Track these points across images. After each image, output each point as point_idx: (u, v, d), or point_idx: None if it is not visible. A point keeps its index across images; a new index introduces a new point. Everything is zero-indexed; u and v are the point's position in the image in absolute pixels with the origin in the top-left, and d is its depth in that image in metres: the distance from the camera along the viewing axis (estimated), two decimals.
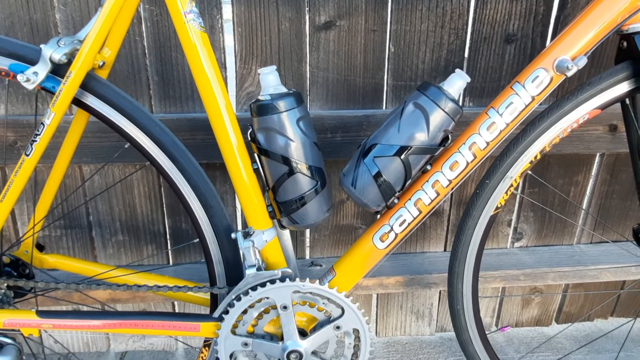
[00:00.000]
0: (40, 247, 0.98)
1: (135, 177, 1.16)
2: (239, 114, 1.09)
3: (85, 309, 1.18)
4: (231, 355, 0.87)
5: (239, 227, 1.28)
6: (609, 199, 1.29)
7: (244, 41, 1.07)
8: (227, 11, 1.06)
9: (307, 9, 1.05)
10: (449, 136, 0.81)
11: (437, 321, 1.40)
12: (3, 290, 0.87)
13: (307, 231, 1.27)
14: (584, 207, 1.30)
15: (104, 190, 1.16)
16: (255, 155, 0.81)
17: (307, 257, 1.29)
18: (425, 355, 1.33)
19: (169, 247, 1.24)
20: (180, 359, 1.33)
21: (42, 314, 0.82)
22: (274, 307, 0.84)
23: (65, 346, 1.32)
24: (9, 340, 0.85)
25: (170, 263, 1.26)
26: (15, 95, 1.08)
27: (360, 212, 1.24)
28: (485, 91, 1.15)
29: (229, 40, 1.05)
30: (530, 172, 0.89)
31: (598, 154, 1.24)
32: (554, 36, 1.11)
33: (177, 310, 1.32)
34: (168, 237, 1.23)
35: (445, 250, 1.31)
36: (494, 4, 1.07)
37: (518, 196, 1.27)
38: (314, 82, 1.11)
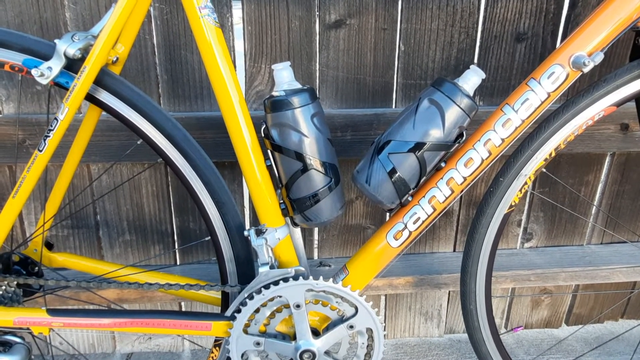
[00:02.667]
0: (49, 246, 0.97)
1: (143, 177, 1.16)
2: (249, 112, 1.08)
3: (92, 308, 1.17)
4: (243, 355, 0.86)
5: (247, 226, 1.27)
6: (619, 199, 1.28)
7: (254, 40, 1.06)
8: (236, 10, 1.06)
9: (317, 7, 1.05)
10: (464, 133, 0.80)
11: (446, 323, 1.39)
12: (13, 289, 0.86)
13: (316, 231, 1.26)
14: (595, 206, 1.29)
15: (113, 189, 1.15)
16: (269, 151, 0.81)
17: (316, 257, 1.28)
18: (434, 357, 1.32)
19: (177, 247, 1.23)
20: None
21: (52, 312, 0.81)
22: (287, 306, 0.83)
23: (72, 346, 1.30)
24: (18, 340, 0.84)
25: (178, 263, 1.25)
26: (24, 93, 1.07)
27: (370, 212, 1.23)
28: (495, 90, 1.14)
29: (238, 39, 1.05)
30: (544, 169, 0.88)
31: (609, 154, 1.23)
32: (564, 35, 1.11)
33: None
34: (176, 236, 1.22)
35: (454, 250, 1.30)
36: (504, 3, 1.07)
37: (528, 196, 1.27)
38: (323, 80, 1.11)
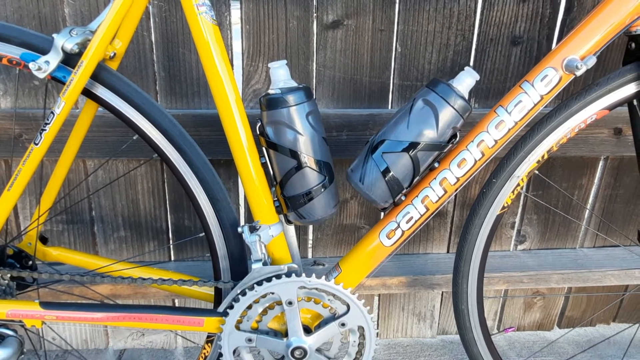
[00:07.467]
0: (43, 240, 0.97)
1: (139, 173, 1.16)
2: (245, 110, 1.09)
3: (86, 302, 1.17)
4: (235, 351, 0.86)
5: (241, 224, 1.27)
6: (612, 203, 1.29)
7: (252, 38, 1.07)
8: (235, 10, 1.07)
9: (315, 7, 1.06)
10: (457, 134, 0.81)
11: (438, 324, 1.39)
12: (6, 282, 0.86)
13: (310, 231, 1.27)
14: (588, 211, 1.30)
15: (108, 184, 1.16)
16: (264, 149, 0.81)
17: (310, 256, 1.29)
18: (427, 358, 1.33)
19: (171, 244, 1.23)
20: (179, 357, 1.31)
21: (45, 305, 0.81)
22: (279, 303, 0.84)
23: (66, 341, 1.31)
24: (10, 332, 0.84)
25: (172, 259, 1.26)
26: (21, 88, 1.08)
27: (364, 211, 1.24)
28: (491, 92, 1.15)
29: (236, 39, 1.06)
30: (537, 172, 0.89)
31: (602, 158, 1.24)
32: (560, 39, 1.12)
33: None
34: (170, 233, 1.23)
35: (448, 251, 1.31)
36: (500, 6, 1.08)
37: (522, 198, 1.27)
38: (320, 80, 1.12)
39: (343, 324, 0.85)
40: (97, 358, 1.29)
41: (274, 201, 0.84)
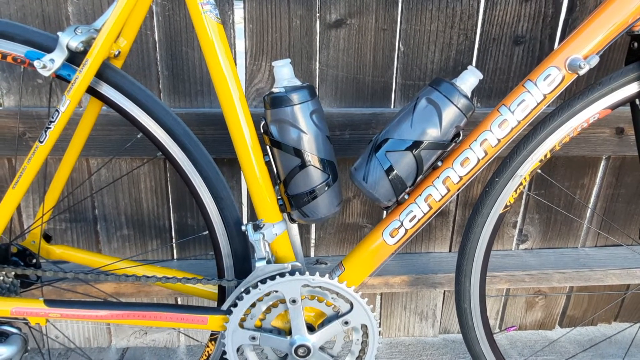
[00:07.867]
0: (47, 238, 0.97)
1: (142, 172, 1.16)
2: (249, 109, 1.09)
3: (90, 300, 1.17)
4: (238, 349, 0.87)
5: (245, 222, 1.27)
6: (614, 203, 1.30)
7: (255, 37, 1.07)
8: (238, 9, 1.07)
9: (318, 7, 1.06)
10: (460, 133, 0.81)
11: (440, 323, 1.40)
12: (10, 279, 0.86)
13: (313, 230, 1.27)
14: (590, 210, 1.30)
15: (111, 183, 1.16)
16: (268, 147, 0.81)
17: (312, 255, 1.29)
18: (429, 357, 1.33)
19: (174, 242, 1.24)
20: (182, 356, 1.32)
21: (49, 303, 0.81)
22: (283, 301, 0.84)
23: (69, 339, 1.31)
24: (14, 330, 0.84)
25: (175, 258, 1.26)
26: (25, 87, 1.08)
27: (367, 210, 1.24)
28: (493, 92, 1.16)
29: (239, 38, 1.06)
30: (539, 170, 0.89)
31: (604, 157, 1.24)
32: (562, 38, 1.12)
33: None
34: (173, 232, 1.23)
35: (450, 251, 1.31)
36: (503, 6, 1.08)
37: (524, 198, 1.28)
38: (323, 79, 1.12)
39: (346, 322, 0.85)
40: (100, 356, 1.30)
41: (278, 199, 0.84)
